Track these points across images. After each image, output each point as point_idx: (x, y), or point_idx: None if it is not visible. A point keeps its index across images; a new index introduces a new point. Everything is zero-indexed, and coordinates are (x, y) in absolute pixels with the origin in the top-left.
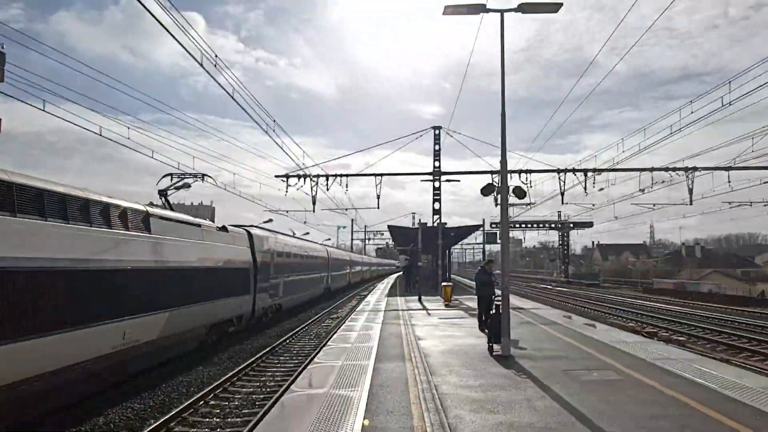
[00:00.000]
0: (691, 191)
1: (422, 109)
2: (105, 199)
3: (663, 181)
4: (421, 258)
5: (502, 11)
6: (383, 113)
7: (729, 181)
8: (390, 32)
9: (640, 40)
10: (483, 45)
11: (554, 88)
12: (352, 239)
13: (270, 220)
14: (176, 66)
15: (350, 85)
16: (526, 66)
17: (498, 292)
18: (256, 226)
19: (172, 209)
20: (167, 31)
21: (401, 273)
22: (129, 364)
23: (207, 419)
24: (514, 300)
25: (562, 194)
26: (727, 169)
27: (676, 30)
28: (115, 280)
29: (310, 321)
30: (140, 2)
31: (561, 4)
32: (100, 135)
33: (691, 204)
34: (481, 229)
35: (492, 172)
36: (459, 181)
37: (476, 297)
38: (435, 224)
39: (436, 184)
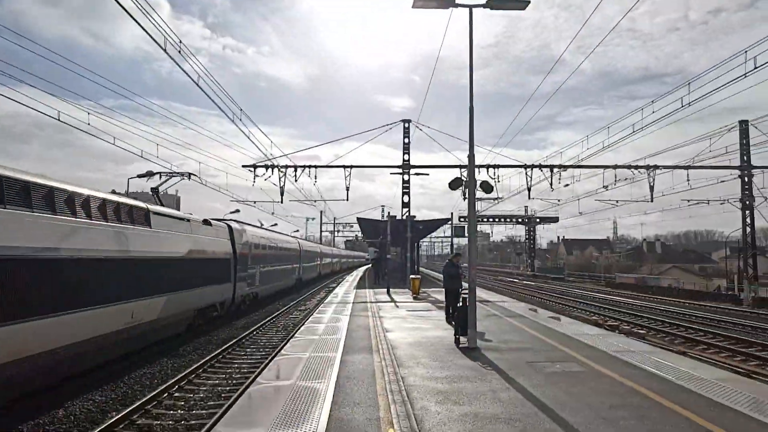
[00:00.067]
0: (652, 189)
1: (392, 102)
2: (116, 198)
3: (626, 179)
4: (390, 250)
5: (470, 6)
6: (353, 104)
7: (688, 180)
8: (360, 22)
9: (604, 40)
10: (452, 39)
11: (522, 84)
12: (321, 231)
13: (237, 211)
14: (139, 50)
15: (319, 75)
16: (494, 62)
17: (465, 285)
18: (235, 221)
19: (162, 204)
20: (128, 14)
21: (370, 265)
22: (134, 340)
23: (171, 411)
24: (481, 293)
25: (529, 189)
26: (687, 168)
27: (638, 31)
28: (127, 267)
29: (277, 313)
30: None
31: (528, 2)
32: (59, 120)
33: (652, 201)
34: (450, 222)
35: (460, 167)
36: (428, 174)
37: (444, 290)
38: (404, 217)
39: (405, 177)
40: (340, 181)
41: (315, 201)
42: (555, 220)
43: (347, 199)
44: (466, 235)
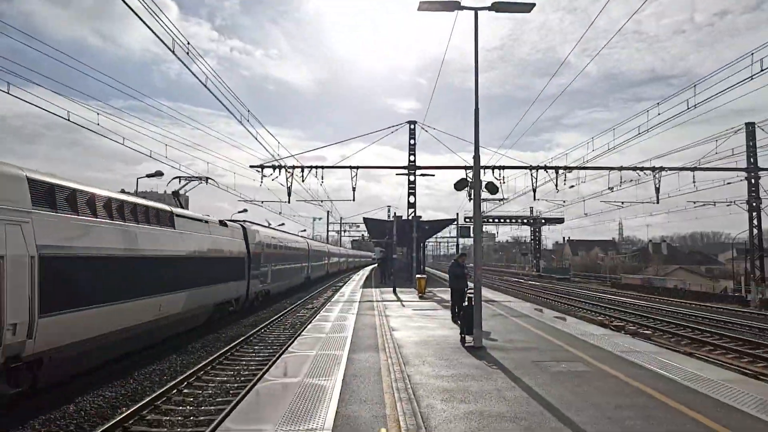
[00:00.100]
0: (657, 190)
1: (398, 104)
2: (148, 203)
3: (631, 180)
4: (396, 250)
5: (476, 9)
6: (360, 107)
7: (694, 181)
8: (368, 26)
9: (609, 43)
10: (458, 42)
11: (527, 86)
12: (327, 231)
13: (245, 210)
14: (148, 52)
15: (327, 78)
16: (499, 64)
17: (471, 284)
18: (248, 221)
19: (182, 207)
20: (138, 16)
21: (376, 265)
22: (161, 331)
23: (180, 407)
24: (487, 293)
25: (534, 191)
26: (693, 169)
27: (644, 33)
28: (156, 265)
29: (285, 311)
30: None
31: (534, 5)
32: (68, 120)
33: (657, 203)
34: (455, 223)
35: (466, 168)
36: (434, 175)
37: (449, 289)
38: (410, 217)
39: (411, 178)
40: (346, 181)
41: (322, 201)
42: (560, 221)
43: (353, 200)
44: (472, 235)
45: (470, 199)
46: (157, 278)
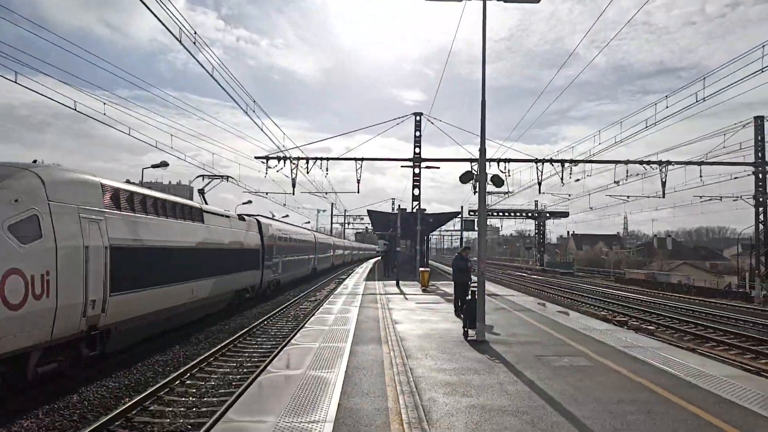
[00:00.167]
0: (664, 184)
1: (404, 95)
2: (182, 200)
3: (637, 174)
4: (400, 243)
5: None
6: (365, 97)
7: (701, 176)
8: (374, 15)
9: (618, 34)
10: (465, 32)
11: (534, 78)
12: (331, 223)
13: (249, 202)
14: (154, 41)
15: (332, 68)
16: (507, 55)
17: (474, 278)
18: (262, 216)
19: (206, 202)
20: (144, 4)
21: (380, 257)
22: (192, 313)
23: (183, 398)
24: (490, 287)
25: (539, 184)
26: (700, 164)
27: (654, 25)
28: (191, 254)
29: (288, 303)
30: None
31: None
32: (75, 110)
33: (663, 197)
34: (459, 216)
35: (471, 160)
36: (438, 168)
37: (453, 283)
38: (414, 210)
39: (416, 170)
40: (351, 173)
41: (326, 193)
42: (565, 214)
43: (358, 192)
44: (476, 228)
45: (475, 192)
46: (191, 266)
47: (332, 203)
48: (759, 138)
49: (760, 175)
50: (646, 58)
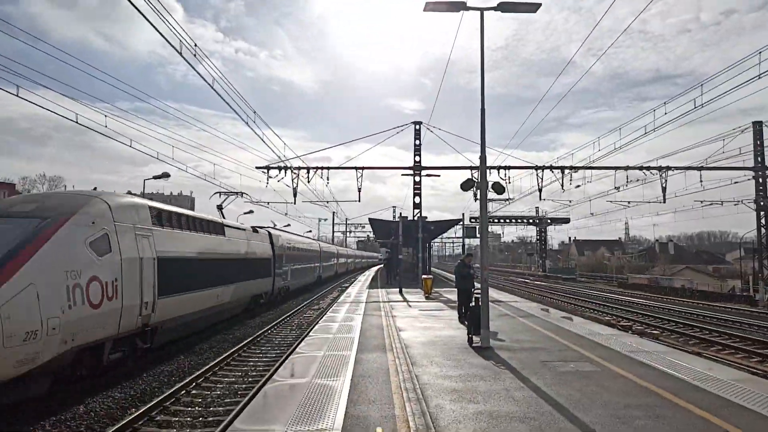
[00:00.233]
0: (664, 190)
1: (402, 105)
2: (207, 217)
3: (638, 180)
4: (402, 251)
5: (482, 9)
6: (364, 107)
7: (701, 181)
8: (371, 27)
9: (615, 42)
10: (462, 42)
11: (532, 86)
12: (333, 232)
13: (251, 212)
14: (153, 54)
15: (331, 79)
16: (504, 64)
17: (477, 285)
18: (273, 227)
19: (224, 217)
20: (145, 18)
21: (382, 265)
22: (217, 315)
23: (189, 408)
24: (493, 293)
25: (540, 191)
26: (699, 169)
27: (649, 33)
28: (216, 264)
29: (291, 312)
30: None
31: (539, 5)
32: (77, 123)
33: (664, 202)
34: (461, 223)
35: (471, 168)
36: (439, 176)
37: (456, 290)
38: (415, 218)
39: (417, 178)
40: (351, 182)
41: (327, 202)
42: (566, 221)
43: (359, 200)
44: (478, 235)
45: (476, 200)
46: (216, 275)
47: (333, 212)
48: (758, 142)
49: (760, 180)
50: (643, 65)
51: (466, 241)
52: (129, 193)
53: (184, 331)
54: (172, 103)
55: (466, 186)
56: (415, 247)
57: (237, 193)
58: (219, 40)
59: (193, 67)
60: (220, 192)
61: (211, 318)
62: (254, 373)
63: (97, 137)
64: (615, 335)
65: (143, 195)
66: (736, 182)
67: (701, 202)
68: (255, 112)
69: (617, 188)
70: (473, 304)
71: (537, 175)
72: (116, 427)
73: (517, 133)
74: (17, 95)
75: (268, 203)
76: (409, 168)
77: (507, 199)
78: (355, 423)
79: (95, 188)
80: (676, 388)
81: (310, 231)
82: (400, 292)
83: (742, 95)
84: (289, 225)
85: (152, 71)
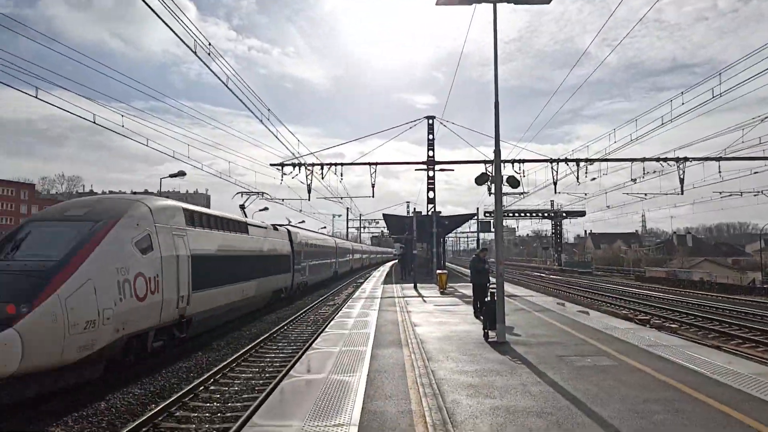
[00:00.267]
0: (682, 181)
1: (415, 99)
2: (233, 216)
3: (654, 171)
4: (416, 246)
5: (494, 1)
6: (377, 103)
7: (720, 172)
8: (381, 22)
9: (630, 32)
10: (475, 35)
11: (545, 78)
12: (347, 228)
13: (265, 209)
14: (167, 53)
15: (343, 75)
16: (517, 56)
17: (493, 279)
18: (292, 225)
19: (246, 216)
20: (159, 18)
21: (396, 261)
22: (242, 308)
23: (207, 404)
24: (508, 287)
25: (555, 184)
26: (718, 159)
27: (665, 22)
28: (241, 260)
29: (306, 308)
30: None
31: None
32: (94, 123)
33: (682, 194)
34: (475, 217)
35: (485, 162)
36: (453, 170)
37: (471, 284)
38: (429, 213)
39: (430, 173)
40: (365, 178)
41: (341, 198)
42: (582, 214)
43: (373, 196)
44: (492, 229)
45: (491, 194)
46: (241, 270)
47: (347, 208)
48: None
49: None
50: (658, 55)
51: (481, 235)
52: (145, 191)
53: (214, 323)
54: (186, 101)
55: (480, 180)
56: (429, 242)
57: (258, 193)
58: (232, 39)
59: (207, 66)
60: (242, 192)
61: (236, 311)
62: (271, 369)
63: (112, 137)
64: (632, 329)
65: (159, 193)
66: (755, 172)
67: (720, 193)
68: (269, 110)
69: (634, 180)
70: (488, 298)
71: (552, 168)
72: (136, 422)
73: (531, 126)
74: (36, 96)
75: (283, 200)
76: (422, 163)
77: (521, 193)
78: (372, 418)
79: (146, 191)
80: (695, 383)
81: (325, 227)
82: (415, 287)
83: (761, 83)
84: (303, 221)
85: (167, 70)
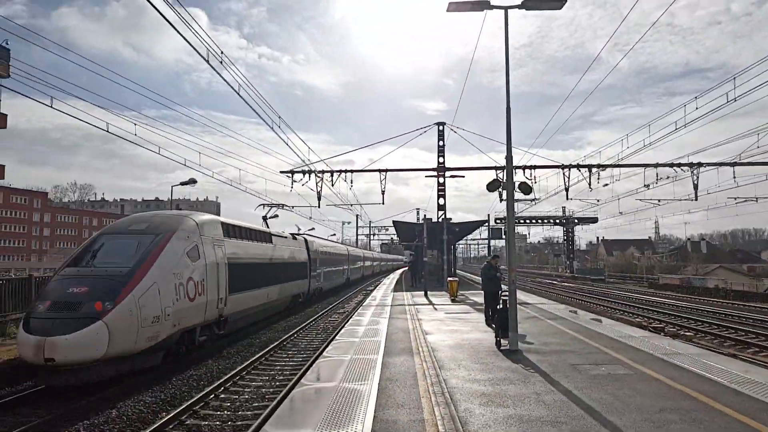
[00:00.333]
0: (696, 187)
1: (425, 105)
2: (259, 228)
3: (668, 177)
4: (427, 253)
5: (506, 8)
6: (387, 109)
7: (734, 177)
8: (391, 29)
9: (642, 37)
10: (485, 41)
11: (556, 83)
12: (357, 235)
13: (276, 216)
14: (179, 62)
15: (353, 82)
16: (528, 62)
17: (504, 287)
18: (308, 234)
19: (268, 227)
20: (173, 27)
21: (407, 268)
22: (266, 311)
23: (218, 412)
24: (520, 295)
25: (567, 190)
26: (733, 164)
27: (677, 26)
28: (266, 267)
29: (317, 316)
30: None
31: (565, 1)
32: (107, 131)
33: (696, 199)
34: (486, 224)
35: (496, 168)
36: (463, 176)
37: (482, 292)
38: (440, 220)
39: (441, 179)
40: (375, 184)
41: (351, 205)
42: (594, 220)
43: (383, 203)
44: (503, 236)
45: (502, 200)
46: (266, 276)
47: (357, 215)
48: None
49: None
50: (671, 59)
51: (492, 242)
52: (156, 200)
53: (243, 323)
54: (197, 109)
55: (492, 187)
56: (439, 249)
57: (279, 205)
58: (242, 47)
59: (219, 74)
60: (264, 204)
61: (262, 313)
62: (282, 377)
63: (125, 145)
64: (647, 337)
65: (170, 201)
66: None
67: (735, 198)
68: (280, 117)
69: (647, 186)
70: (500, 306)
71: (563, 174)
72: (148, 430)
73: (542, 132)
74: (51, 106)
75: (293, 207)
76: (433, 169)
77: (533, 200)
78: (384, 427)
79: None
80: (712, 392)
81: (334, 234)
82: (426, 294)
83: None
84: (313, 228)
85: (178, 79)
